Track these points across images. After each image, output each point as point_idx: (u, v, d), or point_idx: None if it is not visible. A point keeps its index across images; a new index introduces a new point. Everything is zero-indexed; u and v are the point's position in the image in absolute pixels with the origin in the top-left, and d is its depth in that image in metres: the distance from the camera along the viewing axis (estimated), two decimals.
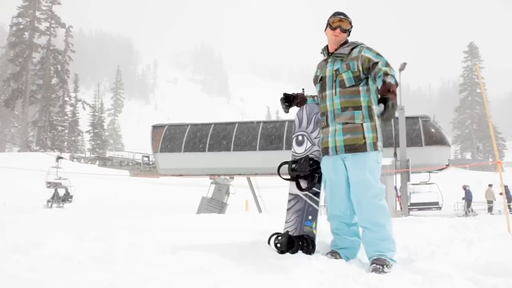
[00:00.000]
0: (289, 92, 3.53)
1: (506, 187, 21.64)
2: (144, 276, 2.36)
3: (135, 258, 2.80)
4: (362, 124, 2.91)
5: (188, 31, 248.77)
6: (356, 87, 2.95)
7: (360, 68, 2.94)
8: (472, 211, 20.81)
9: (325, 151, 3.05)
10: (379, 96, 2.70)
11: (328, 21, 3.14)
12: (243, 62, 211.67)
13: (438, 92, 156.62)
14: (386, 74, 2.75)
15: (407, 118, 16.15)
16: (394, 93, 2.66)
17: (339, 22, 3.08)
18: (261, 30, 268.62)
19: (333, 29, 3.08)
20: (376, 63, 2.86)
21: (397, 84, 2.74)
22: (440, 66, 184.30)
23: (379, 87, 2.73)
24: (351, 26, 3.13)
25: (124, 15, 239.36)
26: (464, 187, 21.32)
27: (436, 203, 19.21)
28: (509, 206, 21.29)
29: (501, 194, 21.49)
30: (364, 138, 2.90)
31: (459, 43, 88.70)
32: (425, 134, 17.62)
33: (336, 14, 3.12)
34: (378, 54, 2.95)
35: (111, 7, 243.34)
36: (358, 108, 2.93)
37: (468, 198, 21.08)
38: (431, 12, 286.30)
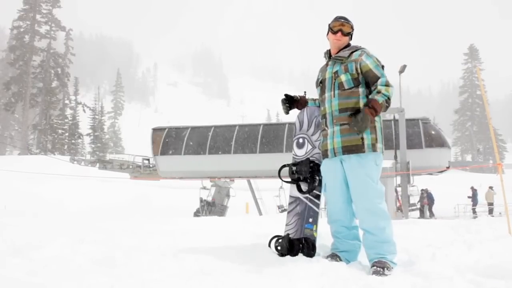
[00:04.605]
0: (290, 94, 3.54)
1: (475, 190, 21.95)
2: (144, 279, 2.36)
3: (136, 261, 2.79)
4: None
5: (188, 34, 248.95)
6: (355, 89, 2.96)
7: (359, 71, 2.96)
8: (433, 215, 20.76)
9: (325, 154, 3.06)
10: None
11: (329, 25, 3.15)
12: (243, 65, 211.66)
13: (438, 94, 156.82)
14: (378, 92, 2.86)
15: (407, 120, 16.14)
16: (373, 108, 2.80)
17: (340, 26, 3.09)
18: (261, 33, 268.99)
19: (334, 33, 3.09)
20: (377, 79, 2.92)
21: (387, 103, 2.85)
22: (440, 68, 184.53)
23: None
24: (353, 30, 3.13)
25: (124, 18, 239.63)
26: (426, 190, 21.24)
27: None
28: (473, 209, 21.49)
29: (469, 197, 21.73)
30: (362, 138, 2.90)
31: (459, 45, 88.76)
32: (425, 136, 17.60)
33: (338, 18, 3.13)
34: (378, 65, 2.96)
35: (111, 10, 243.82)
36: (357, 110, 2.93)
37: (430, 200, 21.10)
38: (431, 14, 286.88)
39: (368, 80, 2.97)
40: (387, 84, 2.89)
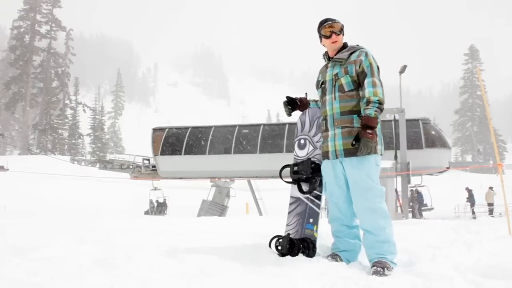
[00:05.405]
0: (291, 95, 3.54)
1: (470, 190, 21.92)
2: (144, 279, 2.36)
3: (136, 261, 2.79)
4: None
5: (188, 34, 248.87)
6: (355, 92, 2.96)
7: (358, 72, 2.96)
8: (421, 215, 20.71)
9: (325, 155, 3.06)
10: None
11: (319, 32, 3.13)
12: (244, 65, 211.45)
13: (438, 94, 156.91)
14: (368, 102, 2.85)
15: (407, 120, 16.14)
16: (371, 128, 2.80)
17: (330, 29, 3.08)
18: (261, 33, 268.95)
19: (328, 37, 3.08)
20: (364, 78, 2.90)
21: (380, 108, 2.84)
22: (441, 68, 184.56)
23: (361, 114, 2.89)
24: (343, 25, 3.12)
25: (124, 18, 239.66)
26: (416, 190, 21.16)
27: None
28: (472, 210, 21.43)
29: (467, 199, 21.82)
30: None
31: (460, 46, 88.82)
32: (426, 137, 17.60)
33: (323, 22, 3.11)
34: (370, 64, 2.94)
35: (111, 11, 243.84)
36: (357, 112, 2.94)
37: (419, 201, 21.11)
38: (431, 14, 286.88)
39: (360, 81, 2.96)
40: (373, 84, 2.88)
